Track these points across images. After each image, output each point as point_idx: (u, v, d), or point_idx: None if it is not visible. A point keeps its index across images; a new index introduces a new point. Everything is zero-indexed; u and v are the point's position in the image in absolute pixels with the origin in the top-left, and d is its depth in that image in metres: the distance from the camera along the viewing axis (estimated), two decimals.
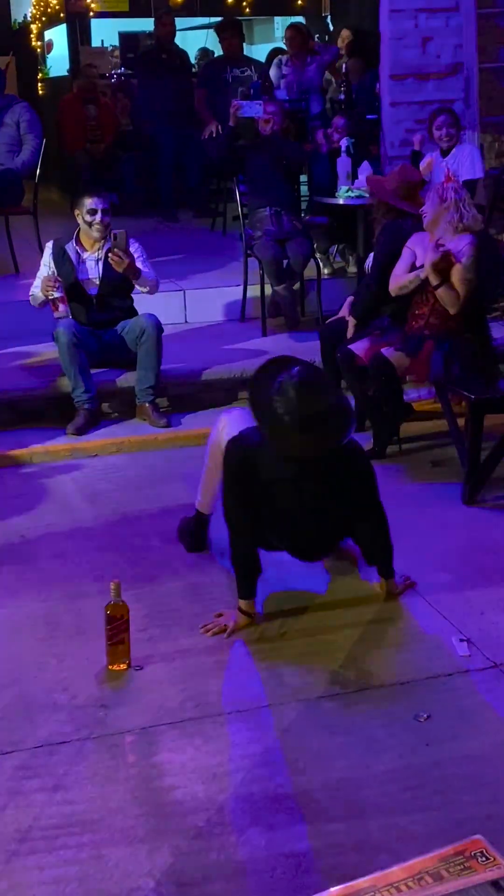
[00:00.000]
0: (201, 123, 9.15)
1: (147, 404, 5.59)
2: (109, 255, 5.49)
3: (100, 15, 12.35)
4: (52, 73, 13.09)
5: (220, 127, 8.56)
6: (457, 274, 4.89)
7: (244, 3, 13.23)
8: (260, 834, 2.62)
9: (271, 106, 6.98)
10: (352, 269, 7.36)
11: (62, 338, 5.45)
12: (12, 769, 2.88)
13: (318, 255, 6.87)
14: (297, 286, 6.80)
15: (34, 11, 13.46)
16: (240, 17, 10.80)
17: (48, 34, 13.40)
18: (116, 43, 12.88)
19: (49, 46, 13.40)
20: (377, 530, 3.64)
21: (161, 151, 9.38)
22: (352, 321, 5.39)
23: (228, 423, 3.83)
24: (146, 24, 11.99)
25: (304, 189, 7.87)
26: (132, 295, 5.78)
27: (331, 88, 9.55)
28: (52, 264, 5.62)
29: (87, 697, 3.21)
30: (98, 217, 5.57)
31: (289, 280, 6.54)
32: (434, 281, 4.89)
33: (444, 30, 7.46)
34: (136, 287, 5.68)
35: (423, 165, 6.75)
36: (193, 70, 10.56)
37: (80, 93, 9.90)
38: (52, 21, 13.04)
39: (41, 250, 5.96)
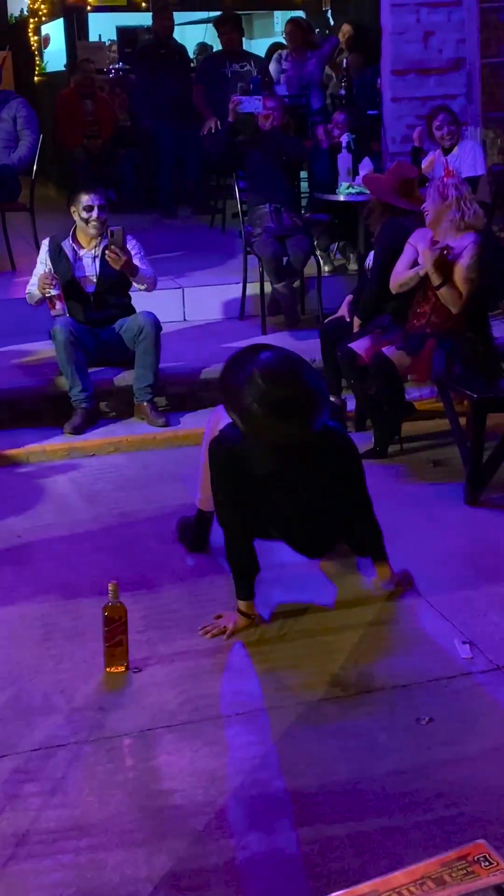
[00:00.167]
0: (200, 119, 9.09)
1: (145, 403, 5.56)
2: (106, 252, 5.46)
3: (97, 9, 12.31)
4: (49, 68, 13.04)
5: (219, 123, 8.51)
6: (459, 273, 4.87)
7: None
8: (259, 838, 2.60)
9: (271, 101, 6.95)
10: (352, 266, 7.34)
11: (59, 336, 5.41)
12: (9, 772, 2.86)
13: (318, 253, 6.84)
14: (297, 284, 6.76)
15: (31, 5, 13.40)
16: (239, 12, 10.73)
17: (45, 29, 13.34)
18: (114, 38, 12.85)
19: (46, 41, 13.34)
20: (364, 511, 3.65)
21: (159, 147, 9.34)
22: (357, 321, 5.36)
23: (221, 419, 3.80)
24: (144, 19, 11.97)
25: (304, 185, 7.82)
26: (130, 293, 5.75)
27: (331, 84, 9.52)
28: (49, 262, 5.58)
29: (84, 700, 3.19)
30: (95, 214, 5.53)
31: (289, 278, 6.50)
32: (436, 280, 4.87)
33: (446, 24, 7.41)
34: (134, 284, 5.65)
35: (424, 164, 6.71)
36: (192, 65, 10.52)
37: (78, 88, 9.86)
38: (49, 15, 12.98)
39: (38, 247, 5.92)
